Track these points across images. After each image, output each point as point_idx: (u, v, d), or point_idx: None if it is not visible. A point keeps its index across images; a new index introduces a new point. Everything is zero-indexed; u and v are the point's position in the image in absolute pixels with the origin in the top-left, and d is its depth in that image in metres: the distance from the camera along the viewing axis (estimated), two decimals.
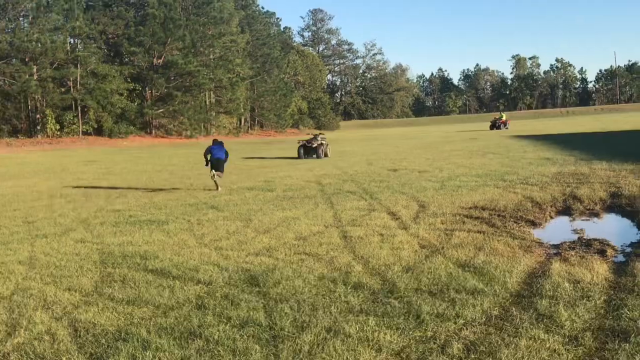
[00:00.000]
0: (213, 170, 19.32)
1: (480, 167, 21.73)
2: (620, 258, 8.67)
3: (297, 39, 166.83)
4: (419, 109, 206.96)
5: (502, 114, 76.05)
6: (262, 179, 21.54)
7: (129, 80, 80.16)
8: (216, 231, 11.75)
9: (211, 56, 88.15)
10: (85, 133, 75.21)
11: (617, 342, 5.21)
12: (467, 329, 5.71)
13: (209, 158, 20.07)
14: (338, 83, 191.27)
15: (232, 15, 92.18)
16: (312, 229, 11.50)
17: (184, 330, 6.09)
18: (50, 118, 71.48)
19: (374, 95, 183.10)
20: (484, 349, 5.22)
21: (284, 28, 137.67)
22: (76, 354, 5.66)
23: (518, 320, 5.87)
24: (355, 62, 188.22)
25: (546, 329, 5.59)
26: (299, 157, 35.37)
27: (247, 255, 9.44)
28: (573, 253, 8.76)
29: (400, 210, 13.09)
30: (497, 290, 6.83)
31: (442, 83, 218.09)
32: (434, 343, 5.43)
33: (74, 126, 73.99)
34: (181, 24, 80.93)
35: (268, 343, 5.65)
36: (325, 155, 35.41)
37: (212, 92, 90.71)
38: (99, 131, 76.15)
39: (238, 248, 10.07)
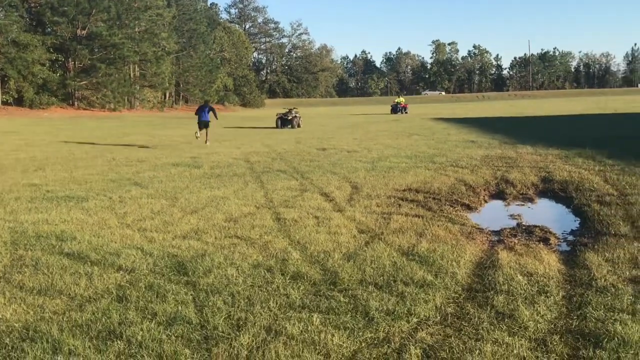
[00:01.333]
0: (197, 131, 25.98)
1: (408, 148, 21.26)
2: (565, 247, 8.21)
3: (224, 16, 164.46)
4: (343, 90, 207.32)
5: (402, 98, 75.10)
6: (188, 155, 20.46)
7: (51, 50, 76.56)
8: (139, 210, 10.77)
9: (136, 29, 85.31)
10: (5, 103, 71.81)
11: (590, 348, 4.61)
12: (422, 329, 5.02)
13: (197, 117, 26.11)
14: (264, 61, 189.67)
15: None
16: (243, 209, 10.66)
17: (102, 328, 5.18)
18: None
19: (299, 74, 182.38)
20: (445, 356, 4.54)
21: (210, 4, 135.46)
22: None
23: (477, 319, 5.22)
24: (281, 41, 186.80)
25: (509, 331, 4.96)
26: (277, 127, 40.61)
27: (173, 239, 8.53)
28: (516, 241, 8.25)
29: (334, 191, 12.39)
30: (448, 283, 6.17)
31: (365, 65, 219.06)
32: (388, 347, 4.70)
33: None
34: None
35: (200, 346, 4.80)
36: (299, 126, 40.83)
37: (136, 66, 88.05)
38: (19, 101, 72.77)
39: (163, 230, 9.15)
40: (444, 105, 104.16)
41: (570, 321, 5.18)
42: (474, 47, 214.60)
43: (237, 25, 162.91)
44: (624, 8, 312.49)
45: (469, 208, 11.03)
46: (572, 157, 16.63)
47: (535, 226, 9.26)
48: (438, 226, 8.99)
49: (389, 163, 16.89)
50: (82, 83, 79.33)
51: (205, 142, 25.30)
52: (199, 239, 8.50)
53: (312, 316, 5.33)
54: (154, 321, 5.31)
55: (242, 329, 5.10)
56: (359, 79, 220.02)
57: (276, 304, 5.70)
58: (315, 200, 11.41)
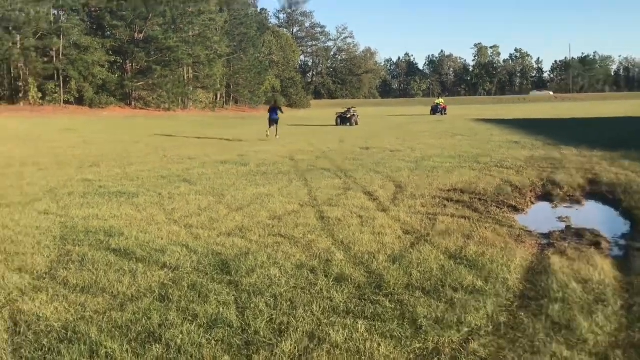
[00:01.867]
0: (268, 129, 28.92)
1: (451, 148, 20.67)
2: (617, 252, 7.61)
3: (273, 21, 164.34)
4: (386, 91, 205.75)
5: (441, 99, 73.91)
6: (236, 153, 20.21)
7: (110, 52, 77.57)
8: (187, 206, 10.48)
9: (190, 33, 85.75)
10: (67, 102, 72.88)
11: None
12: (474, 340, 4.55)
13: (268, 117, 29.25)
14: (310, 64, 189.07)
15: None
16: (287, 207, 10.29)
17: (142, 330, 4.84)
18: (32, 86, 69.13)
19: (344, 76, 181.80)
20: None
21: (260, 9, 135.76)
22: None
23: (532, 330, 4.72)
24: (327, 45, 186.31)
25: (567, 344, 4.46)
26: (336, 124, 42.85)
27: (218, 236, 8.19)
28: (567, 244, 7.68)
29: (377, 190, 11.93)
30: (499, 290, 5.68)
31: (408, 67, 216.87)
32: (438, 359, 4.27)
33: (56, 95, 71.60)
34: (162, 0, 78.61)
35: (240, 352, 4.42)
36: (356, 123, 42.57)
37: (190, 68, 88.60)
38: (80, 101, 73.81)
39: (209, 226, 8.82)
40: (486, 107, 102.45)
41: (633, 334, 4.65)
42: (516, 50, 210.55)
43: (285, 30, 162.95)
44: None
45: (515, 209, 10.46)
46: (617, 159, 15.86)
47: (585, 229, 8.66)
48: (485, 228, 8.47)
49: (432, 163, 16.35)
50: (139, 84, 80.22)
51: (276, 136, 28.31)
52: (243, 236, 8.15)
53: (357, 323, 4.90)
54: (194, 323, 4.95)
55: (284, 335, 4.70)
56: (402, 81, 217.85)
57: (319, 307, 5.29)
58: (359, 199, 10.97)
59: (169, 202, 10.92)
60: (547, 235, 8.40)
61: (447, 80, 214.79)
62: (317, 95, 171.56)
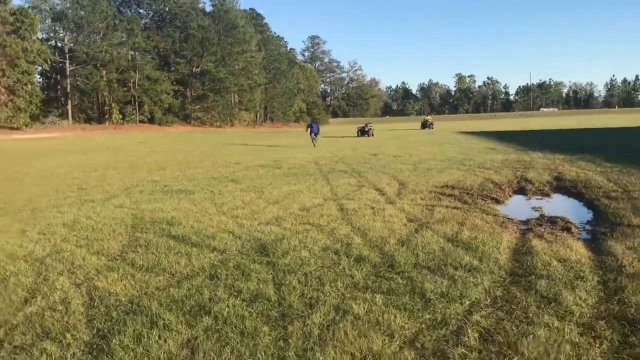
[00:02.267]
0: (313, 135, 29.48)
1: (441, 154, 20.10)
2: (586, 235, 7.08)
3: (300, 57, 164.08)
4: (387, 111, 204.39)
5: (430, 117, 73.00)
6: (271, 159, 19.80)
7: (174, 83, 77.88)
8: (233, 201, 10.10)
9: (236, 67, 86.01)
10: (141, 122, 73.44)
11: (638, 334, 3.63)
12: (475, 312, 4.10)
13: (309, 130, 29.93)
14: (328, 90, 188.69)
15: (252, 37, 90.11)
16: (314, 201, 9.87)
17: (195, 304, 4.46)
18: (115, 110, 69.81)
19: (354, 100, 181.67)
20: (502, 340, 3.63)
21: (290, 49, 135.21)
22: (82, 330, 4.05)
23: (525, 303, 4.26)
24: (341, 76, 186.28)
25: (557, 315, 4.00)
26: (357, 136, 43.76)
27: (258, 224, 7.80)
28: (543, 229, 7.17)
29: (385, 187, 11.47)
30: (492, 268, 5.22)
31: (404, 92, 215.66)
32: (447, 329, 3.82)
33: (133, 116, 72.28)
34: (214, 42, 78.94)
35: (277, 324, 4.02)
36: (372, 135, 43.62)
37: (236, 94, 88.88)
38: (151, 120, 74.31)
39: (251, 217, 8.43)
40: (465, 122, 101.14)
41: (612, 306, 4.18)
42: (488, 78, 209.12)
43: (309, 64, 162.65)
44: (606, 44, 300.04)
45: (497, 201, 9.94)
46: (575, 161, 15.24)
47: (557, 217, 8.13)
48: (475, 216, 7.99)
49: (427, 165, 15.82)
50: (196, 107, 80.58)
51: (314, 146, 28.54)
52: (279, 225, 7.74)
53: (375, 297, 4.48)
54: (239, 298, 4.57)
55: (314, 308, 4.29)
56: (400, 103, 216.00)
57: (343, 284, 4.87)
58: (371, 194, 10.53)
59: (219, 198, 10.55)
60: (525, 222, 7.90)
61: (434, 102, 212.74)
62: (334, 114, 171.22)
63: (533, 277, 4.90)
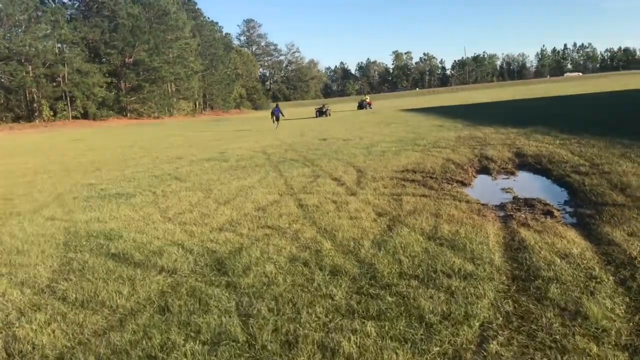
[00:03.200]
0: (274, 121, 32.63)
1: (391, 135, 19.51)
2: (572, 219, 6.53)
3: (236, 42, 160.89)
4: (327, 92, 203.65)
5: (367, 96, 69.68)
6: (217, 151, 18.62)
7: (106, 75, 74.32)
8: (179, 203, 9.08)
9: (171, 55, 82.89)
10: (74, 117, 69.76)
11: None
12: (491, 338, 3.36)
13: (272, 114, 33.10)
14: (267, 74, 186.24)
15: (185, 23, 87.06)
16: (269, 197, 8.99)
17: (143, 354, 3.53)
18: (45, 107, 65.95)
19: (294, 83, 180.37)
20: None
21: (225, 33, 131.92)
22: None
23: (545, 320, 3.56)
24: (279, 59, 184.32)
25: (591, 336, 3.31)
26: (315, 116, 48.12)
27: (211, 231, 6.86)
28: (523, 216, 6.60)
29: (342, 175, 10.71)
30: (490, 272, 4.51)
31: (344, 72, 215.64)
32: None
33: (65, 112, 68.51)
34: (146, 30, 75.67)
35: None
36: (329, 115, 48.40)
37: (172, 83, 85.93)
38: (85, 115, 70.73)
39: (201, 222, 7.47)
40: (405, 99, 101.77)
41: None
42: (424, 54, 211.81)
43: (246, 49, 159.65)
44: (535, 16, 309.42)
45: (463, 184, 9.36)
46: (530, 134, 14.92)
47: (532, 199, 7.59)
48: (447, 205, 7.32)
49: (380, 148, 15.17)
50: (132, 99, 77.33)
51: (276, 128, 31.11)
52: (234, 230, 6.83)
53: (366, 325, 3.66)
54: (198, 340, 3.67)
55: (293, 348, 3.45)
56: (339, 84, 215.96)
57: (323, 309, 4.04)
58: (329, 185, 9.74)
59: (163, 200, 9.50)
60: (501, 207, 7.31)
61: (373, 81, 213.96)
62: (275, 98, 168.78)
63: (540, 281, 4.23)
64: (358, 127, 26.18)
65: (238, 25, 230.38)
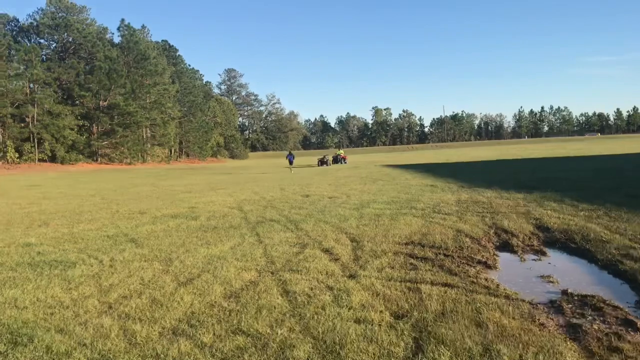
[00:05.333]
0: (290, 166, 41.34)
1: (381, 193, 17.79)
2: None
3: (216, 90, 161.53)
4: (306, 144, 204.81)
5: (341, 150, 67.00)
6: (186, 205, 16.54)
7: (79, 117, 72.23)
8: (128, 280, 7.08)
9: (147, 100, 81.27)
10: (41, 160, 67.06)
11: None
12: None
13: (288, 159, 41.96)
14: (247, 124, 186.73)
15: (165, 69, 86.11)
16: (244, 276, 7.06)
17: None
18: (10, 148, 63.08)
19: (274, 133, 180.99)
20: None
21: (205, 82, 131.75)
22: None
23: None
24: (259, 109, 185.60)
25: None
26: (318, 165, 52.43)
27: (160, 337, 4.89)
28: (596, 327, 4.79)
29: (334, 246, 8.84)
30: None
31: (323, 125, 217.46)
32: None
33: (31, 155, 65.71)
34: (123, 74, 74.19)
35: None
36: (330, 164, 53.43)
37: (148, 128, 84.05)
38: (52, 159, 67.98)
39: (149, 317, 5.49)
40: (385, 155, 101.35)
41: None
42: (403, 111, 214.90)
43: (226, 97, 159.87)
44: (513, 80, 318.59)
45: (487, 266, 7.55)
46: (541, 201, 13.31)
47: (590, 296, 5.81)
48: (485, 304, 5.49)
49: (373, 210, 13.39)
50: (103, 143, 75.04)
51: (291, 171, 37.70)
52: (192, 337, 4.86)
53: None
54: None
55: None
56: (319, 136, 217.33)
57: None
58: (320, 261, 7.85)
59: (108, 274, 7.47)
60: (556, 308, 5.50)
61: (352, 135, 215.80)
62: (254, 148, 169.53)
63: None
64: (343, 183, 24.45)
65: (219, 74, 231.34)
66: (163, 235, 10.76)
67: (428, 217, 11.65)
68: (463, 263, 7.55)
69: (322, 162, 54.23)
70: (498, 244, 9.19)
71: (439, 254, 8.11)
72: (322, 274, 7.02)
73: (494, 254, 8.40)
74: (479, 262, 7.72)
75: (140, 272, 7.56)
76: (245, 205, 15.79)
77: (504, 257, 8.41)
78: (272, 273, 7.19)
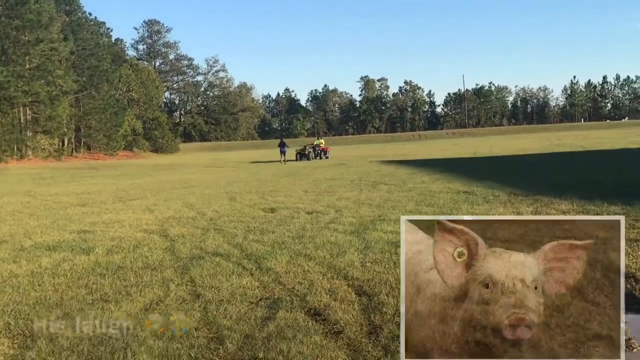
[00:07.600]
0: (282, 158, 53.26)
1: (389, 205, 16.30)
2: None
3: (131, 52, 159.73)
4: (266, 131, 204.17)
5: (322, 140, 66.11)
6: (76, 228, 14.58)
7: None
8: None
9: (27, 66, 79.02)
10: None
11: None
12: None
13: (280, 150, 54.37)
14: (177, 101, 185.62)
15: (52, 19, 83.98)
16: None
17: None
18: None
19: (217, 115, 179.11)
20: None
21: (115, 39, 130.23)
22: None
23: None
24: (196, 79, 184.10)
25: None
26: (296, 160, 56.95)
27: None
28: None
29: (332, 304, 7.19)
30: None
31: (290, 104, 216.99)
32: None
33: None
34: None
35: None
36: (323, 157, 58.47)
37: (27, 108, 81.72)
38: None
39: None
40: (381, 146, 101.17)
41: None
42: (405, 82, 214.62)
43: (145, 63, 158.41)
44: (560, 40, 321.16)
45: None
46: None
47: None
48: None
49: (383, 234, 11.77)
50: None
51: (284, 163, 49.47)
52: None
53: None
54: None
55: None
56: (283, 119, 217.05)
57: None
58: (307, 337, 6.16)
59: None
60: None
61: (332, 118, 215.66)
62: (187, 137, 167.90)
63: None
64: (325, 189, 22.95)
65: (135, 28, 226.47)
66: (27, 286, 8.90)
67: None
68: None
69: (302, 154, 58.16)
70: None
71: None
72: None
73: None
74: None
75: None
76: (172, 227, 14.11)
77: None
78: None
